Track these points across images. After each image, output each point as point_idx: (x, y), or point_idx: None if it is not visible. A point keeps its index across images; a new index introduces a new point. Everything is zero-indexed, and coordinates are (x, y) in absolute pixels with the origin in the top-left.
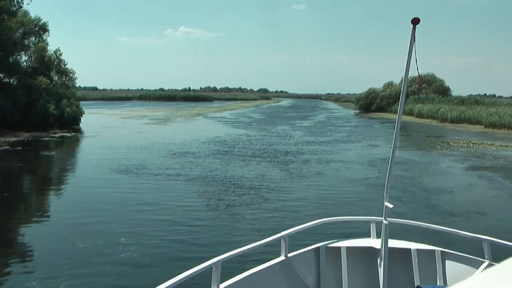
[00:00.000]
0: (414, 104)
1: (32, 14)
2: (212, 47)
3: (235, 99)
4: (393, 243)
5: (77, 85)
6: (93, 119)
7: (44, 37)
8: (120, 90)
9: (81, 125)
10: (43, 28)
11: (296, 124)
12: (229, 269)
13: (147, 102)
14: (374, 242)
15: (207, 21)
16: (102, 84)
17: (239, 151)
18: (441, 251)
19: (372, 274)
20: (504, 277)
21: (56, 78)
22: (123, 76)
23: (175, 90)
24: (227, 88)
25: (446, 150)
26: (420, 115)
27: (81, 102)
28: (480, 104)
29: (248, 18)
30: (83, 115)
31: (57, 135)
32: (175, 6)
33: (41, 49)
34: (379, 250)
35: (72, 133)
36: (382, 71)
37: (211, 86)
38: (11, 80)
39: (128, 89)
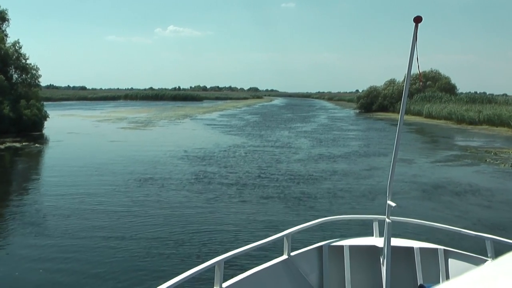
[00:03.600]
0: (422, 104)
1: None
2: (201, 46)
3: (225, 98)
4: (395, 241)
5: (48, 84)
6: (62, 122)
7: (3, 27)
8: (110, 89)
9: (44, 130)
10: (1, 17)
11: (296, 128)
12: (232, 268)
13: (134, 102)
14: (377, 241)
15: (196, 20)
16: (91, 83)
17: (227, 175)
18: (444, 249)
19: (375, 273)
20: (504, 271)
21: (15, 76)
22: (113, 75)
23: (165, 89)
24: (217, 87)
25: (503, 164)
26: (429, 115)
27: (63, 103)
28: (493, 102)
29: (237, 17)
30: (47, 118)
31: (3, 146)
32: (164, 5)
33: None
34: (382, 248)
35: (24, 143)
36: (372, 69)
37: (201, 85)
38: None
39: (118, 88)
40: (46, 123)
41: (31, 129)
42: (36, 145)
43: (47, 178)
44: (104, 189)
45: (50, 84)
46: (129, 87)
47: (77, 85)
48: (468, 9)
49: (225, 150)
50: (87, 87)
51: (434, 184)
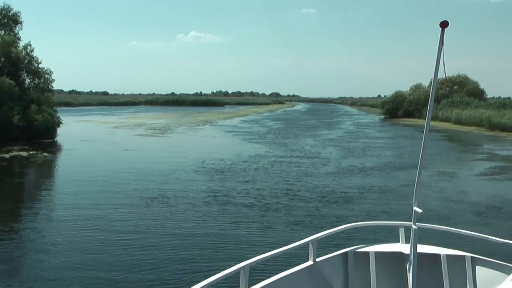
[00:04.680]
0: (450, 109)
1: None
2: (222, 51)
3: (247, 104)
4: (422, 248)
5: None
6: (77, 129)
7: (16, 30)
8: (132, 94)
9: (57, 137)
10: (14, 19)
11: (322, 136)
12: (257, 273)
13: (154, 107)
14: (403, 247)
15: (217, 26)
16: (113, 89)
17: (247, 192)
18: (471, 256)
19: (401, 280)
20: None
21: (28, 80)
22: (135, 81)
23: (186, 94)
24: (239, 92)
25: None
26: (459, 121)
27: (84, 108)
28: None
29: (258, 23)
30: (60, 124)
31: (7, 155)
32: (185, 11)
33: (7, 44)
34: (408, 255)
35: (32, 152)
36: (394, 74)
37: (223, 91)
38: None
39: (140, 94)
40: (59, 130)
41: (42, 136)
42: (44, 154)
43: (46, 195)
44: (106, 209)
45: (73, 89)
46: (151, 92)
47: (99, 90)
48: (496, 12)
49: (246, 161)
50: (109, 92)
51: (488, 204)
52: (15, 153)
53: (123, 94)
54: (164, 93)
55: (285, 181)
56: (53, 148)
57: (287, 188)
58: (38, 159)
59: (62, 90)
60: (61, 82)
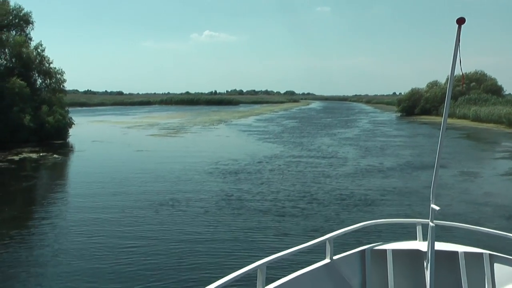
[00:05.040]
0: (467, 107)
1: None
2: (237, 50)
3: (261, 102)
4: (439, 245)
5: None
6: (89, 129)
7: (28, 30)
8: (146, 94)
9: (69, 138)
10: (25, 20)
11: (338, 135)
12: (274, 271)
13: (168, 106)
14: (420, 245)
15: (231, 25)
16: (128, 88)
17: (262, 195)
18: (489, 254)
19: (418, 278)
20: None
21: (39, 80)
22: (149, 80)
23: (200, 93)
24: (253, 91)
25: None
26: (477, 118)
27: (98, 108)
28: None
29: (272, 21)
30: (72, 125)
31: (17, 157)
32: (199, 11)
33: (18, 44)
34: (425, 253)
35: (42, 153)
36: (408, 71)
37: (237, 89)
38: None
39: (155, 93)
40: (71, 131)
41: (54, 137)
42: (54, 156)
43: (53, 198)
44: (115, 213)
45: (88, 90)
46: (166, 92)
47: (114, 90)
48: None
49: (260, 162)
50: (124, 92)
51: None
52: (25, 155)
53: (138, 93)
54: (178, 92)
55: (302, 183)
56: (64, 149)
57: (304, 191)
58: (48, 161)
59: (77, 90)
60: (77, 82)
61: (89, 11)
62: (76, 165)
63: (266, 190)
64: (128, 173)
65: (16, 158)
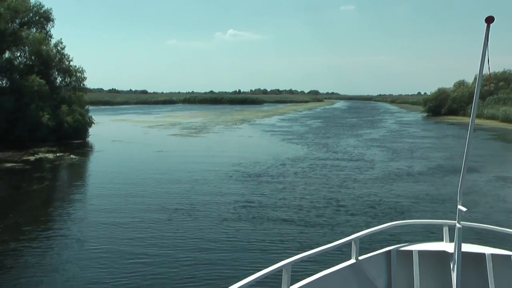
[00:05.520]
0: (497, 107)
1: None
2: (260, 49)
3: (285, 102)
4: (466, 247)
5: (99, 87)
6: (110, 129)
7: (48, 27)
8: (171, 93)
9: (88, 138)
10: (46, 17)
11: (364, 135)
12: (299, 271)
13: (192, 105)
14: (447, 246)
15: (255, 24)
16: (153, 87)
17: (284, 202)
18: None
19: (444, 280)
20: None
21: (59, 79)
22: (174, 79)
23: (224, 92)
24: (277, 90)
25: None
26: (507, 119)
27: (122, 107)
28: None
29: (296, 20)
30: (92, 124)
31: (33, 157)
32: (223, 10)
33: (37, 41)
34: (452, 254)
35: (59, 153)
36: (433, 71)
37: (261, 89)
38: (3, 82)
39: (179, 92)
40: (91, 130)
41: (72, 136)
42: (71, 156)
43: (62, 203)
44: (128, 218)
45: (112, 88)
46: (190, 91)
47: (138, 89)
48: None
49: (284, 164)
50: (148, 91)
51: None
52: (41, 155)
53: (162, 92)
54: (202, 91)
55: (327, 189)
56: (82, 149)
57: (330, 197)
58: (63, 162)
59: (102, 89)
60: (102, 81)
61: (115, 11)
62: (92, 166)
63: (289, 196)
64: (145, 175)
65: (31, 158)
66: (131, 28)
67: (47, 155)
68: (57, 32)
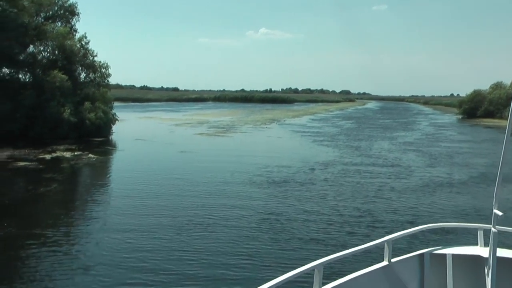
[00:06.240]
0: None
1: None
2: (292, 48)
3: (316, 101)
4: (502, 252)
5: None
6: (135, 126)
7: (73, 21)
8: (202, 91)
9: (112, 136)
10: (71, 11)
11: (398, 138)
12: (331, 272)
13: (222, 103)
14: (481, 251)
15: (287, 23)
16: (184, 85)
17: (310, 214)
18: None
19: (479, 285)
20: None
21: (83, 74)
22: (205, 77)
23: (256, 91)
24: (309, 89)
25: None
26: None
27: (151, 104)
28: None
29: (328, 19)
30: (116, 121)
31: (49, 156)
32: (255, 8)
33: (61, 35)
34: (487, 259)
35: (77, 152)
36: (467, 72)
37: (293, 88)
38: (26, 77)
39: (210, 90)
40: (115, 127)
41: (94, 134)
42: (89, 155)
43: (68, 208)
44: (143, 225)
45: (144, 85)
46: (221, 89)
47: (170, 86)
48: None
49: (313, 169)
50: (180, 89)
51: None
52: (58, 153)
53: (193, 90)
54: (234, 89)
55: (360, 199)
56: (102, 148)
57: (364, 209)
58: (80, 162)
59: (133, 86)
60: (134, 78)
61: (147, 8)
62: (108, 167)
63: (317, 207)
64: (165, 178)
65: (47, 157)
66: (163, 26)
67: (64, 153)
68: (92, 28)
